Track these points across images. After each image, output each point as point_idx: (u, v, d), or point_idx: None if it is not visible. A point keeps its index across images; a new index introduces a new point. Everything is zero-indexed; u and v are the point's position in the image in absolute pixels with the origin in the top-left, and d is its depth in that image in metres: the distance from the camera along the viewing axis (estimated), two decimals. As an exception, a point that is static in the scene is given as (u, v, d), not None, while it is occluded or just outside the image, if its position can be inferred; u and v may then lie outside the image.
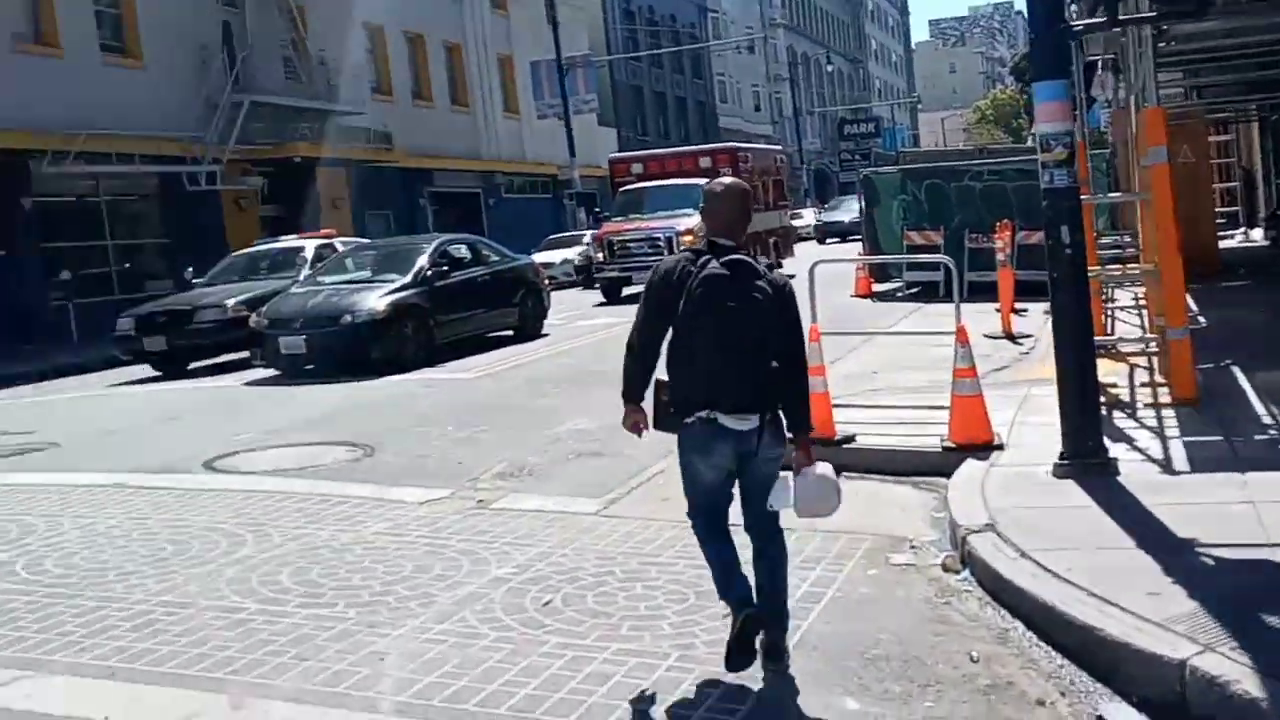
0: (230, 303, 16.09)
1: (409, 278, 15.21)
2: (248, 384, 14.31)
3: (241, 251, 19.83)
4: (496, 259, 17.51)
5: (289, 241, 19.18)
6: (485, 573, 5.89)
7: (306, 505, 7.51)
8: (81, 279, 24.30)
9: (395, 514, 7.25)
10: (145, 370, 16.38)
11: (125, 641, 5.15)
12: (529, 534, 6.60)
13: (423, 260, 15.58)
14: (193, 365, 16.31)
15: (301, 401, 12.42)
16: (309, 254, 17.84)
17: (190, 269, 19.21)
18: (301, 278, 16.78)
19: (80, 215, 25.74)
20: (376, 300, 14.52)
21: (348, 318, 14.26)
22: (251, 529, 6.99)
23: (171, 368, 16.17)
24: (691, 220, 21.76)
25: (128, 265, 26.24)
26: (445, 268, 15.74)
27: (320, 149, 30.21)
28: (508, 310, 16.99)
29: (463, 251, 16.99)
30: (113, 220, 26.21)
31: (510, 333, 16.98)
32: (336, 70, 32.21)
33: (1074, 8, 10.54)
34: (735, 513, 4.57)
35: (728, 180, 4.68)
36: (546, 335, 17.40)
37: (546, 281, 19.12)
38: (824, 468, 4.49)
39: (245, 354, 15.40)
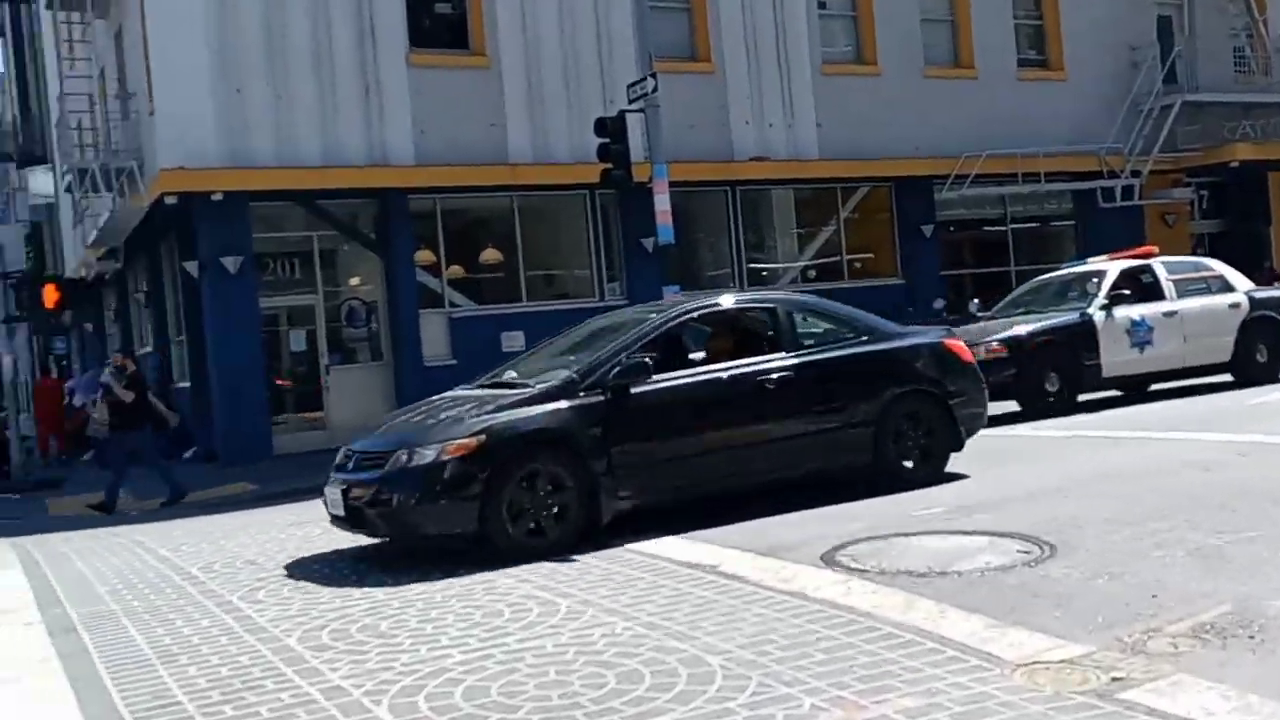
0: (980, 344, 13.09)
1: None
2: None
3: (1039, 279, 16.50)
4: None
5: (1092, 264, 15.51)
6: None
7: (868, 643, 4.96)
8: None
9: (960, 682, 4.39)
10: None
11: None
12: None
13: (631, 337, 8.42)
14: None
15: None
16: (1107, 281, 14.26)
17: (976, 300, 16.90)
18: (1093, 310, 13.93)
19: (981, 239, 24.69)
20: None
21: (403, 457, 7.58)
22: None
23: None
24: None
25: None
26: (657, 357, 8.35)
27: (1270, 149, 25.42)
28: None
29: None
30: (1016, 243, 24.60)
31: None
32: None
33: None
34: None
35: None
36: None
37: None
38: None
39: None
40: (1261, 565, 5.67)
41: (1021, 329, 13.73)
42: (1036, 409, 13.22)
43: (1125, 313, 13.90)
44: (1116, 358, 13.76)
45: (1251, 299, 14.69)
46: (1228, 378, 14.63)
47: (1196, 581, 5.49)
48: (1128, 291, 14.02)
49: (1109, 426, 12.03)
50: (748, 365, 8.49)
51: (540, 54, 20.20)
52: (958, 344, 9.49)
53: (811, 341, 8.90)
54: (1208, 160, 25.14)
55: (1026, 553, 6.32)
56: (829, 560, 6.52)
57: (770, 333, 8.90)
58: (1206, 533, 6.36)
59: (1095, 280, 14.48)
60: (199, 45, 18.11)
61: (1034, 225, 25.31)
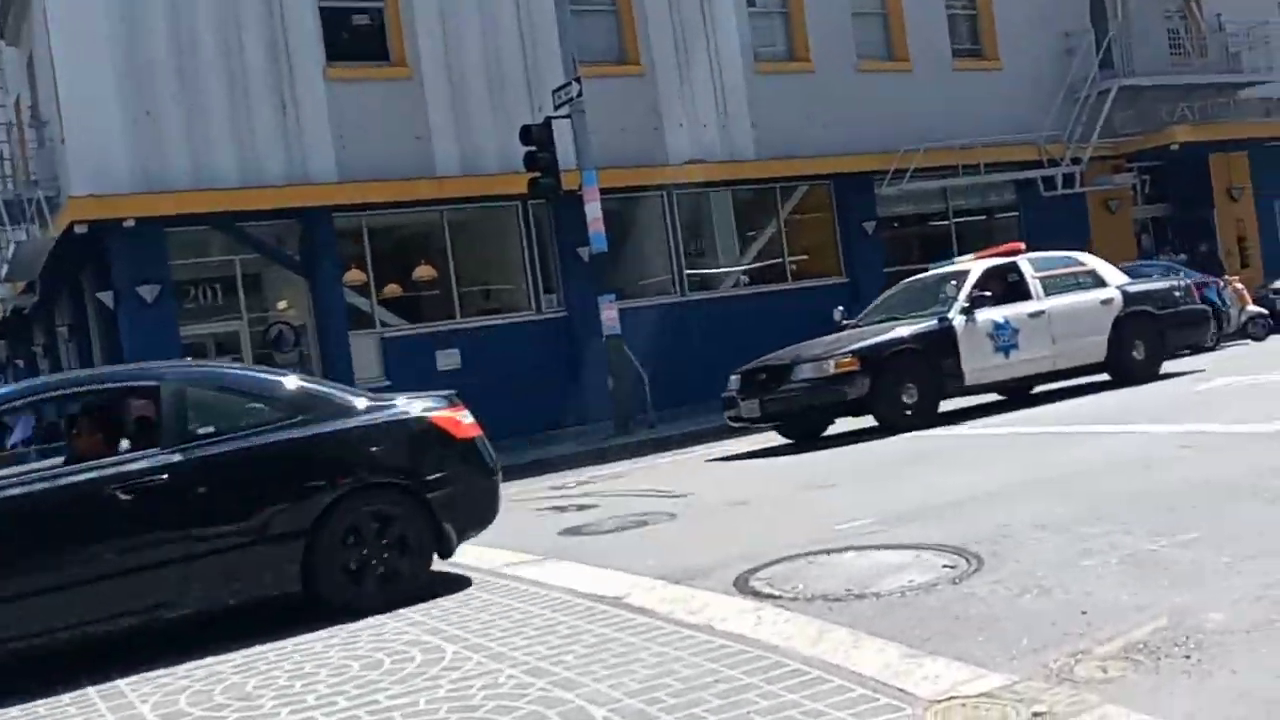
0: (832, 357, 12.65)
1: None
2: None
3: (909, 280, 15.74)
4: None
5: (959, 264, 14.78)
6: None
7: (770, 682, 4.46)
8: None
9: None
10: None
11: None
12: None
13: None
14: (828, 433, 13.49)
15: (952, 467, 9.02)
16: (968, 283, 13.50)
17: (841, 307, 15.84)
18: (953, 314, 13.15)
19: (925, 235, 24.38)
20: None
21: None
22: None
23: (797, 435, 13.49)
24: None
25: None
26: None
27: (1209, 130, 25.27)
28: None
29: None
30: (960, 236, 24.28)
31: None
32: (1240, 34, 26.84)
33: None
34: None
35: None
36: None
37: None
38: None
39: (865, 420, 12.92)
40: (1201, 571, 5.22)
41: (874, 339, 12.92)
42: (895, 423, 12.36)
43: (988, 316, 13.11)
44: (979, 364, 12.95)
45: (1125, 294, 13.98)
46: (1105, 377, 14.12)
47: (1130, 593, 5.04)
48: (988, 293, 13.26)
49: (1042, 422, 11.67)
50: (91, 469, 6.31)
51: (463, 61, 19.67)
52: (449, 416, 7.07)
53: (211, 430, 6.57)
54: (1148, 144, 24.99)
55: (952, 567, 5.85)
56: (742, 586, 6.02)
57: (152, 421, 6.75)
58: (1142, 536, 5.92)
59: (955, 283, 13.60)
60: (105, 68, 17.46)
61: (978, 218, 25.02)
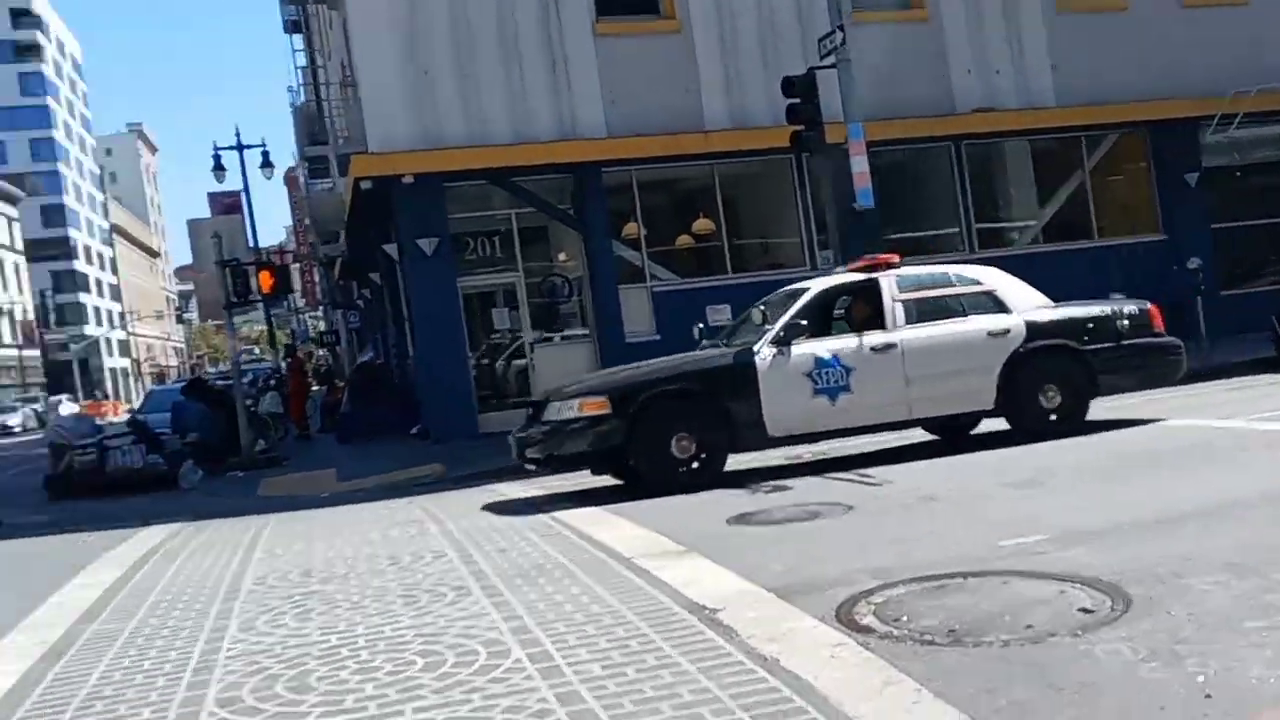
0: (578, 396, 10.26)
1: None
2: None
3: (784, 289, 11.92)
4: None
5: (830, 278, 11.78)
6: None
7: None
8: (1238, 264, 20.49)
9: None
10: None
11: None
12: None
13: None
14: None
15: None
16: (794, 307, 10.71)
17: (700, 325, 13.30)
18: (759, 347, 10.35)
19: (1257, 188, 21.73)
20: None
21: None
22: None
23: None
24: None
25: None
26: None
27: None
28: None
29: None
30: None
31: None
32: None
33: None
34: None
35: None
36: None
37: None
38: None
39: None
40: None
41: (635, 374, 10.54)
42: (662, 482, 9.87)
43: (808, 350, 10.27)
44: (789, 409, 10.15)
45: (1030, 324, 10.72)
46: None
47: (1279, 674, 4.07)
48: (805, 322, 10.47)
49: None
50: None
51: (734, 13, 19.14)
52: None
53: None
54: None
55: (1089, 611, 4.97)
56: (845, 612, 5.37)
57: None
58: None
59: (785, 305, 10.82)
60: (390, 29, 18.15)
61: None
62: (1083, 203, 21.24)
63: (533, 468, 10.48)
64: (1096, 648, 4.54)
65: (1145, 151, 21.35)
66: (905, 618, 5.20)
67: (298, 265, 47.98)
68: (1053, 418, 10.61)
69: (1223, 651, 4.35)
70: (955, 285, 11.01)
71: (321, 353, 51.80)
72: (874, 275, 10.96)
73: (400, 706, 4.63)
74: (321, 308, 56.27)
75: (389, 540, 8.81)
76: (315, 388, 29.47)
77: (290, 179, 53.49)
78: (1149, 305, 11.28)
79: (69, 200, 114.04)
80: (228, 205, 34.16)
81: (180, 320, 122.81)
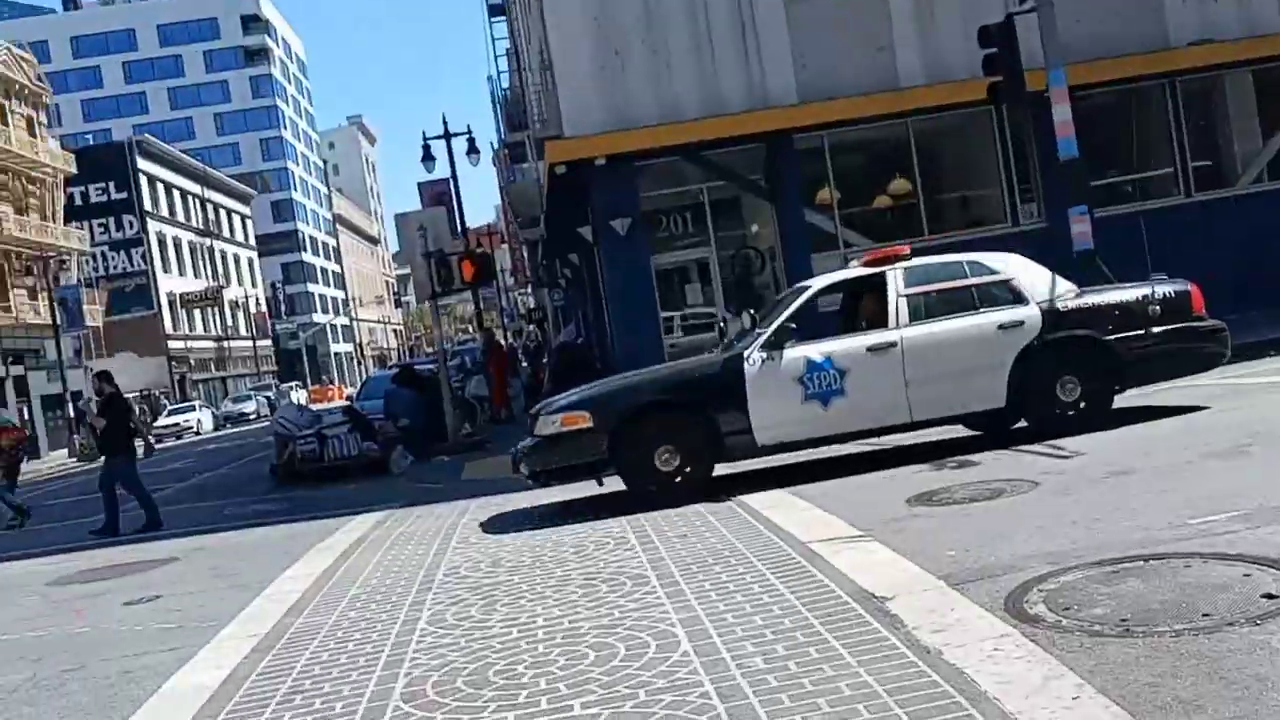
0: (560, 411, 10.11)
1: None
2: None
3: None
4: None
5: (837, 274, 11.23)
6: None
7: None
8: None
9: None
10: None
11: None
12: None
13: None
14: None
15: None
16: (790, 307, 10.16)
17: (726, 315, 12.62)
18: (750, 352, 9.84)
19: None
20: None
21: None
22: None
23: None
24: None
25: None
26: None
27: None
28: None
29: None
30: None
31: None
32: None
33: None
34: None
35: None
36: None
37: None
38: None
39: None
40: None
41: (615, 387, 10.39)
42: (649, 496, 9.47)
43: (799, 353, 9.68)
44: (778, 417, 9.63)
45: (1048, 313, 9.88)
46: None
47: None
48: (794, 326, 9.87)
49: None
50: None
51: (928, -36, 18.60)
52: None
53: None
54: None
55: (1274, 597, 4.71)
56: (1014, 601, 5.25)
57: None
58: None
59: (784, 305, 10.27)
60: (580, 12, 18.45)
61: None
62: (1314, 134, 19.79)
63: (530, 482, 10.29)
64: (1273, 639, 4.32)
65: (1385, 75, 19.68)
66: (1076, 606, 5.05)
67: (505, 245, 49.38)
68: (1070, 412, 9.85)
69: None
70: (969, 276, 10.17)
71: (531, 328, 53.34)
72: (880, 269, 10.26)
73: (570, 701, 4.80)
74: (530, 285, 57.82)
75: (574, 526, 9.06)
76: (525, 365, 30.31)
77: (501, 157, 55.01)
78: (1188, 287, 10.28)
79: (296, 195, 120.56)
80: (437, 194, 35.42)
81: (398, 304, 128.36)
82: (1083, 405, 9.85)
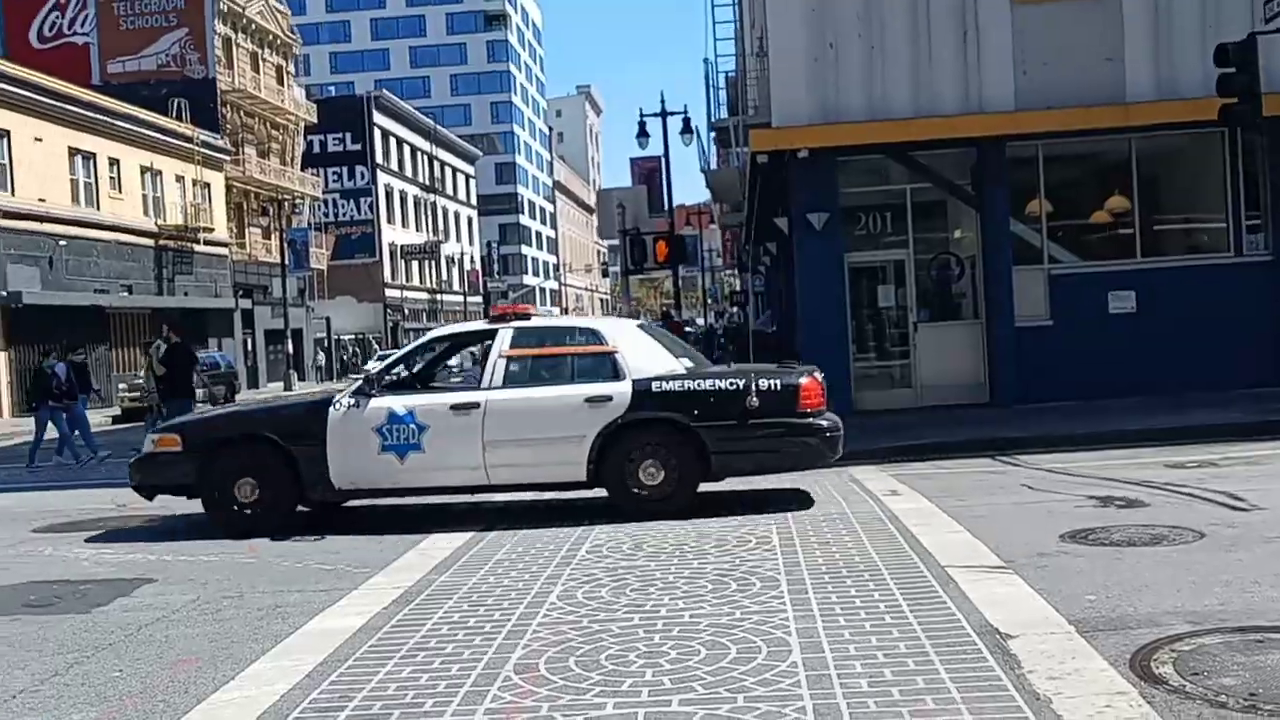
0: (160, 432, 11.12)
1: None
2: None
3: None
4: None
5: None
6: None
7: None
8: None
9: None
10: None
11: None
12: None
13: None
14: None
15: None
16: (394, 357, 13.46)
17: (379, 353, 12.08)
18: (343, 395, 10.35)
19: None
20: None
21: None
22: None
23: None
24: None
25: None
26: None
27: None
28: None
29: None
30: None
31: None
32: None
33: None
34: None
35: None
36: None
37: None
38: None
39: None
40: None
41: (210, 418, 11.34)
42: (230, 524, 9.75)
43: (384, 404, 9.70)
44: (354, 464, 9.69)
45: (638, 394, 9.47)
46: None
47: None
48: (398, 374, 10.38)
49: None
50: None
51: (1170, -26, 17.68)
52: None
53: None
54: None
55: None
56: (1140, 659, 5.04)
57: None
58: None
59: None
60: (800, 1, 18.29)
61: None
62: None
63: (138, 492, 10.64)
64: None
65: None
66: (1206, 673, 4.82)
67: (715, 225, 49.58)
68: (650, 495, 9.47)
69: None
70: (576, 343, 10.15)
71: (734, 310, 53.52)
72: (494, 326, 10.28)
73: (669, 697, 4.88)
74: (736, 268, 58.01)
75: (724, 522, 9.10)
76: (728, 345, 30.39)
77: (707, 140, 55.25)
78: (799, 381, 9.73)
79: (520, 159, 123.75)
80: (648, 170, 35.78)
81: (604, 274, 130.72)
82: (662, 490, 9.49)
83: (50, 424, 19.05)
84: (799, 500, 9.96)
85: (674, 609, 6.31)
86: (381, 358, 10.47)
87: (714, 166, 29.70)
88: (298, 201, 64.48)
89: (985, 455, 12.72)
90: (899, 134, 18.02)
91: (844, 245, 18.52)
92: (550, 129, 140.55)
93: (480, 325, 10.90)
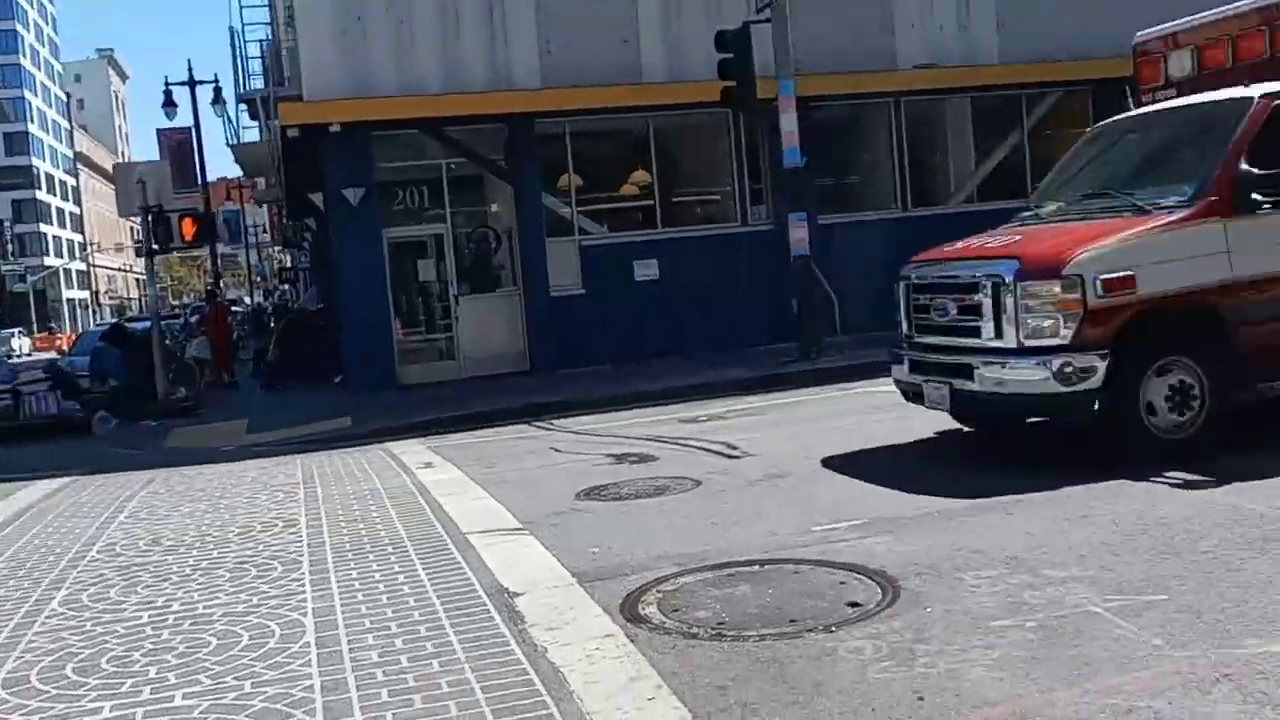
0: None
1: None
2: None
3: None
4: None
5: None
6: None
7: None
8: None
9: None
10: None
11: None
12: None
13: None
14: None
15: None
16: None
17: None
18: None
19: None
20: None
21: None
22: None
23: None
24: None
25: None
26: None
27: None
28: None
29: None
30: None
31: None
32: None
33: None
34: None
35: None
36: None
37: None
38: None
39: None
40: (1130, 648, 4.29)
41: None
42: None
43: None
44: None
45: None
46: None
47: (996, 679, 4.21)
48: None
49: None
50: None
51: (677, -37, 18.95)
52: None
53: None
54: None
55: (856, 605, 5.12)
56: (629, 603, 5.50)
57: None
58: (1128, 590, 4.96)
59: None
60: (322, -29, 17.90)
61: None
62: (1019, 162, 21.25)
63: None
64: (842, 646, 4.69)
65: (1087, 112, 21.29)
66: (684, 609, 5.33)
67: (254, 201, 47.70)
68: None
69: (957, 652, 4.51)
70: None
71: (285, 288, 51.77)
72: None
73: (173, 692, 4.74)
74: (282, 244, 56.14)
75: (254, 505, 8.91)
76: (242, 329, 29.39)
77: (250, 111, 52.94)
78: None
79: (33, 128, 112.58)
80: (177, 142, 33.93)
81: (139, 254, 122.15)
82: None
83: None
84: (344, 476, 9.91)
85: (189, 602, 6.12)
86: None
87: (252, 140, 28.59)
88: None
89: (522, 422, 13.21)
90: (431, 109, 18.15)
91: (383, 220, 18.46)
92: (69, 95, 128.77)
93: None
